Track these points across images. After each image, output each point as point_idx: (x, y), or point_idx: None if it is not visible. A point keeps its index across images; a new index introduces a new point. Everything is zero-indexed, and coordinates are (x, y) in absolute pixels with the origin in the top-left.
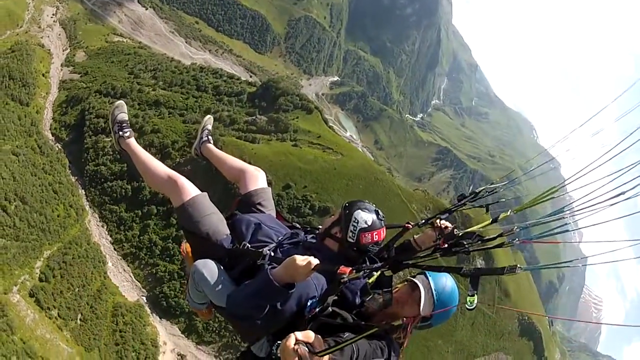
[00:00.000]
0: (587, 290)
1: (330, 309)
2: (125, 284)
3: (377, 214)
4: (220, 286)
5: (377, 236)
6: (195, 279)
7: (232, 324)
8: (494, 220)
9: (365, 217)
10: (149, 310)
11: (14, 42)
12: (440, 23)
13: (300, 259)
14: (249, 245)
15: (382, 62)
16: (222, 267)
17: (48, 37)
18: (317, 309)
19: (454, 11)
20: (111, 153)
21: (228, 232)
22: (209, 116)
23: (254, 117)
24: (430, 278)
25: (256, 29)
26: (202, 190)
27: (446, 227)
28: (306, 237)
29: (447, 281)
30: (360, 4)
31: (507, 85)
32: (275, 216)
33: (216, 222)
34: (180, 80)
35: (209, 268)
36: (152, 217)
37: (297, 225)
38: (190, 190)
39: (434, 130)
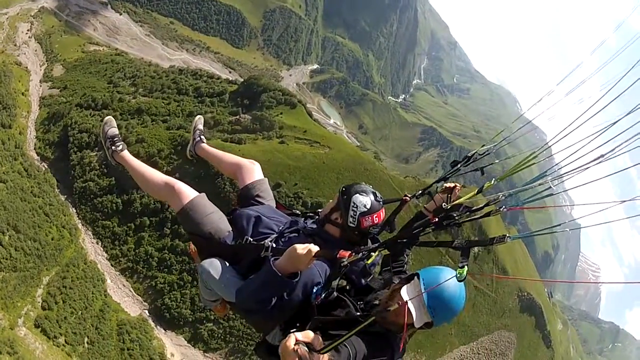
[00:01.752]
0: (583, 258)
1: (335, 293)
2: (126, 299)
3: (374, 195)
4: (227, 283)
5: (377, 218)
6: (203, 278)
7: (244, 317)
8: (480, 191)
9: (363, 200)
10: (152, 324)
11: None
12: (416, 3)
13: (301, 248)
14: (251, 239)
15: (361, 46)
16: (227, 264)
17: (24, 54)
18: (323, 295)
19: None
20: (98, 168)
21: (230, 228)
22: (199, 116)
23: (237, 117)
24: (422, 284)
25: (232, 23)
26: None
27: (455, 186)
28: (306, 223)
29: (444, 283)
30: None
31: (487, 59)
32: (275, 206)
33: (217, 221)
34: (160, 85)
35: (215, 266)
36: (146, 228)
37: (297, 212)
38: (188, 193)
39: (417, 110)
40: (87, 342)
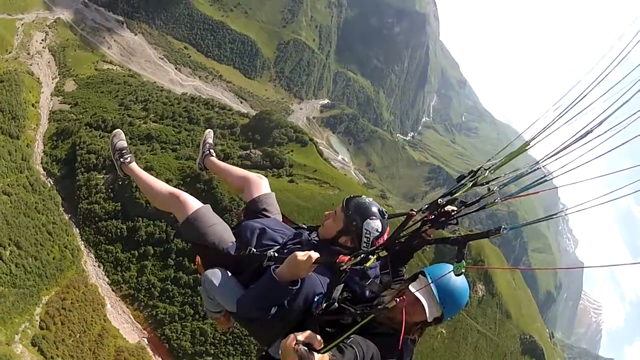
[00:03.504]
0: (585, 296)
1: (336, 304)
2: (125, 325)
3: (381, 214)
4: (229, 292)
5: (386, 234)
6: (206, 287)
7: (247, 328)
8: (474, 184)
9: (375, 225)
10: (151, 352)
11: (2, 72)
12: (428, 41)
13: (301, 255)
14: (255, 250)
15: (372, 82)
16: (230, 274)
17: (37, 64)
18: (324, 305)
19: (441, 27)
20: (104, 191)
21: (234, 239)
22: (209, 130)
23: (248, 152)
24: (430, 279)
25: (245, 53)
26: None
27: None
28: (310, 236)
29: (450, 275)
30: (349, 26)
31: (495, 98)
32: (281, 219)
33: (221, 231)
34: (172, 113)
35: (217, 276)
36: (150, 257)
37: (303, 226)
38: (192, 204)
39: (425, 148)
40: None
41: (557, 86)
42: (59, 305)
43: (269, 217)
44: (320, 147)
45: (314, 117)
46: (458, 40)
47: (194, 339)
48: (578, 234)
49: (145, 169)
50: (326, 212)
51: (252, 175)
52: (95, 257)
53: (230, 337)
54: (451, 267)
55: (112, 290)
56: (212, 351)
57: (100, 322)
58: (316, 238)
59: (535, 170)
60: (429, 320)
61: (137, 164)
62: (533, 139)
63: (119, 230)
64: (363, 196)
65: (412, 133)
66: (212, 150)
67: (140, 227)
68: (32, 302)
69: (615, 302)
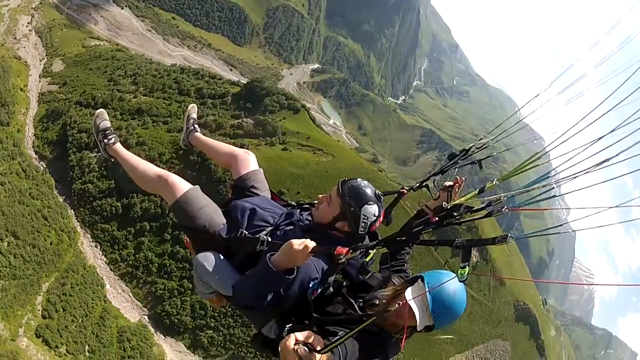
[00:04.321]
0: (577, 264)
1: (331, 289)
2: (125, 304)
3: (377, 198)
4: (223, 277)
5: (382, 218)
6: (198, 272)
7: (240, 310)
8: (481, 191)
9: (373, 210)
10: (152, 329)
11: None
12: (419, 5)
13: (297, 243)
14: (246, 232)
15: (363, 47)
16: (222, 257)
17: (24, 47)
18: (319, 290)
19: None
20: (97, 170)
21: (224, 221)
22: (192, 105)
23: (240, 121)
24: (427, 288)
25: (234, 20)
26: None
27: (455, 183)
28: (302, 215)
29: (448, 288)
30: None
31: (487, 62)
32: (269, 197)
33: (211, 214)
34: (162, 85)
35: (210, 260)
36: (146, 233)
37: (293, 203)
38: (181, 186)
39: (417, 112)
40: (88, 351)
41: (550, 53)
42: (59, 291)
43: (258, 194)
44: (312, 112)
45: (304, 82)
46: (449, 5)
47: (194, 313)
48: (570, 200)
49: (138, 143)
50: (320, 195)
51: (239, 151)
52: (92, 238)
53: (230, 309)
54: (451, 275)
55: (111, 269)
56: (212, 324)
57: (100, 304)
58: (309, 218)
59: (544, 185)
60: (418, 329)
61: (121, 144)
62: (540, 156)
63: (113, 208)
64: (358, 179)
65: (403, 96)
66: (196, 126)
67: (135, 204)
68: (33, 292)
69: (607, 272)
